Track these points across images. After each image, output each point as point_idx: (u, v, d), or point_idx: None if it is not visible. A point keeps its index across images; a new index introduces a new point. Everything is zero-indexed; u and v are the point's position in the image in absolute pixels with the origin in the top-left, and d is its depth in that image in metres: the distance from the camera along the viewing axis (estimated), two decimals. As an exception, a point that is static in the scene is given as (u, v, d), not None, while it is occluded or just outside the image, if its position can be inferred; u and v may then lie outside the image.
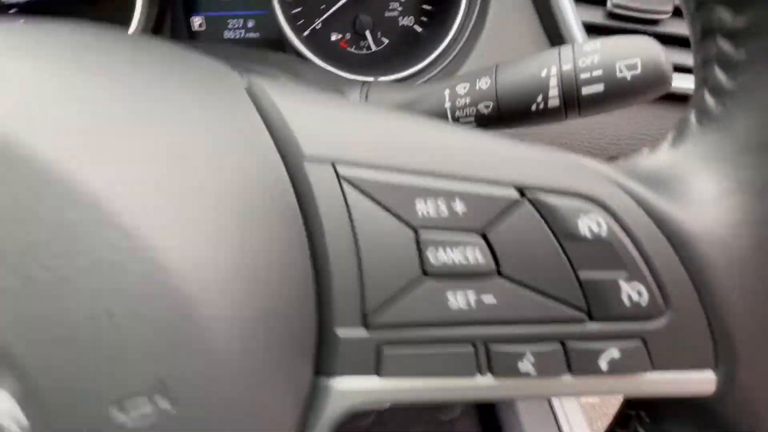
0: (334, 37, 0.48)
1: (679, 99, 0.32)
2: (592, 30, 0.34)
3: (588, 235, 0.12)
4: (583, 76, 0.23)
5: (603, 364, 0.13)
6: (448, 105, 0.27)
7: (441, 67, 0.40)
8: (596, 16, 0.35)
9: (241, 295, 0.11)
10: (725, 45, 0.12)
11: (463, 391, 0.14)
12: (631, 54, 0.23)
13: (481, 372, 0.13)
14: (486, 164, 0.13)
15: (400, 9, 0.48)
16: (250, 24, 0.47)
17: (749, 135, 0.12)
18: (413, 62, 0.48)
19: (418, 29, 0.48)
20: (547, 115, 0.25)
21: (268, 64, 0.29)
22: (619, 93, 0.23)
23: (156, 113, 0.12)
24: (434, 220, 0.13)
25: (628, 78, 0.23)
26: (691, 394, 0.13)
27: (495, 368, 0.13)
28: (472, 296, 0.13)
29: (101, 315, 0.09)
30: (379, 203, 0.13)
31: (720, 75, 0.12)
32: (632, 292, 0.12)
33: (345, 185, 0.13)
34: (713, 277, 0.12)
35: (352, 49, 0.48)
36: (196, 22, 0.47)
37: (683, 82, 0.34)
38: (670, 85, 0.23)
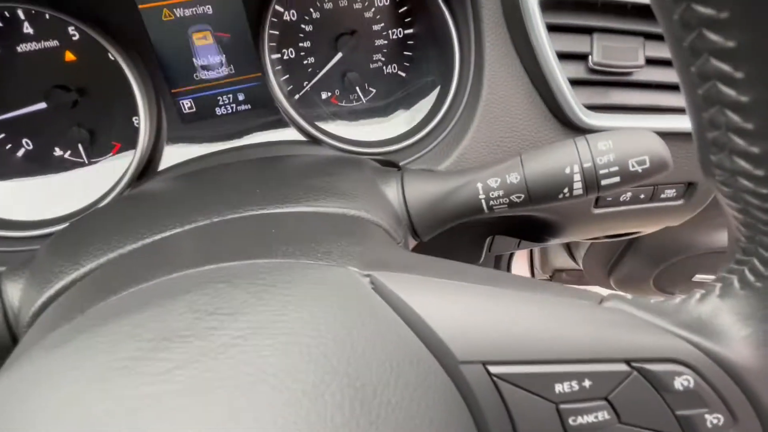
0: (324, 96, 0.49)
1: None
2: (576, 83, 0.39)
3: (681, 388, 0.17)
4: (602, 171, 0.28)
5: None
6: (482, 197, 0.31)
7: (445, 132, 0.43)
8: (579, 71, 0.39)
9: None
10: None
11: None
12: (640, 152, 0.27)
13: None
14: (603, 348, 0.17)
15: (383, 60, 0.49)
16: (241, 97, 0.47)
17: None
18: (403, 106, 0.50)
19: (403, 74, 0.50)
20: (571, 199, 0.30)
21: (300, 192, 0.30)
22: (631, 180, 0.28)
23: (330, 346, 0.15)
24: (569, 395, 0.17)
25: (639, 171, 0.28)
26: None
27: None
28: None
29: None
30: (525, 390, 0.17)
31: (760, 265, 0.17)
32: (713, 419, 0.17)
33: (497, 380, 0.17)
34: (763, 398, 0.17)
35: (343, 103, 0.50)
36: (185, 104, 0.46)
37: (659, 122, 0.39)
38: (671, 168, 0.28)
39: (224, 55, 0.45)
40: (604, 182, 0.28)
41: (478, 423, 0.17)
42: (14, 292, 0.27)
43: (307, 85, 0.47)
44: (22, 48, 0.39)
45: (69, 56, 0.41)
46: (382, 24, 0.48)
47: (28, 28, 0.39)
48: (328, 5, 0.45)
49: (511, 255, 1.23)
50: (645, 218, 0.47)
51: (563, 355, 0.17)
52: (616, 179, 0.28)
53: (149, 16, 0.41)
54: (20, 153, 0.43)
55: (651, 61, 0.38)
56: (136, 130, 0.43)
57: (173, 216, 0.28)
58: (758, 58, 0.12)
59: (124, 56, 0.40)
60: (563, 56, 0.38)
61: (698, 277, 0.84)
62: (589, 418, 0.17)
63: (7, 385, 0.16)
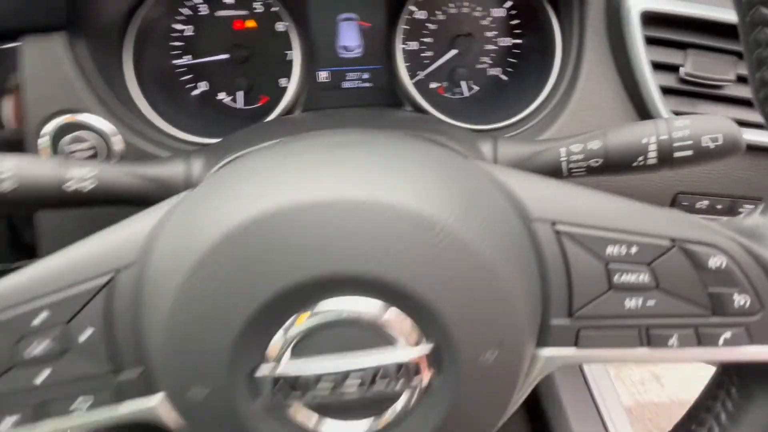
0: (433, 85, 0.57)
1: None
2: (667, 92, 0.43)
3: (714, 267, 0.21)
4: (676, 144, 0.32)
5: (720, 341, 0.21)
6: (564, 159, 0.36)
7: (536, 120, 0.49)
8: (670, 80, 0.43)
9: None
10: None
11: (626, 358, 0.23)
12: (715, 131, 0.31)
13: (641, 345, 0.22)
14: (652, 225, 0.22)
15: (489, 62, 0.57)
16: (365, 76, 0.57)
17: None
18: (500, 106, 0.57)
19: (504, 78, 0.58)
20: (644, 169, 0.34)
21: (418, 129, 0.38)
22: (703, 156, 0.32)
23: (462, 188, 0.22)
24: (617, 257, 0.22)
25: (712, 147, 0.31)
26: None
27: (651, 343, 0.22)
28: (640, 301, 0.22)
29: None
30: (583, 246, 0.22)
31: None
32: (741, 299, 0.21)
33: (561, 236, 0.22)
34: None
35: (448, 95, 0.58)
36: (322, 75, 0.57)
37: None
38: (744, 150, 0.32)
39: (362, 41, 0.56)
40: (677, 155, 0.32)
41: (541, 271, 0.23)
42: (198, 161, 0.37)
43: (421, 74, 0.56)
44: (219, 13, 0.52)
45: (250, 23, 0.53)
46: (495, 32, 0.56)
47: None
48: (453, 10, 0.54)
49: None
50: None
51: (618, 225, 0.22)
52: (689, 152, 0.32)
53: (317, 2, 0.53)
54: (196, 92, 0.55)
55: (742, 79, 0.42)
56: (283, 90, 0.55)
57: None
58: None
59: (292, 30, 0.52)
60: (657, 66, 0.43)
61: None
62: (632, 278, 0.22)
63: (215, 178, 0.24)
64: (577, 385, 1.00)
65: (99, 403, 0.22)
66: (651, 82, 0.43)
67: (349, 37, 0.55)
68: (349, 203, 0.19)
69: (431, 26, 0.55)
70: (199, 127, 0.50)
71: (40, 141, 0.40)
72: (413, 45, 0.55)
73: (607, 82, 0.45)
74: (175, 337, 0.19)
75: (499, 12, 0.55)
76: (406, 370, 0.19)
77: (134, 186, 0.35)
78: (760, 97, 0.23)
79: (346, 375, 0.19)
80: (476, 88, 0.58)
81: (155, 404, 0.23)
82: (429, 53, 0.56)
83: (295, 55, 0.52)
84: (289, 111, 0.53)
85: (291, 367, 0.19)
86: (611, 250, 0.22)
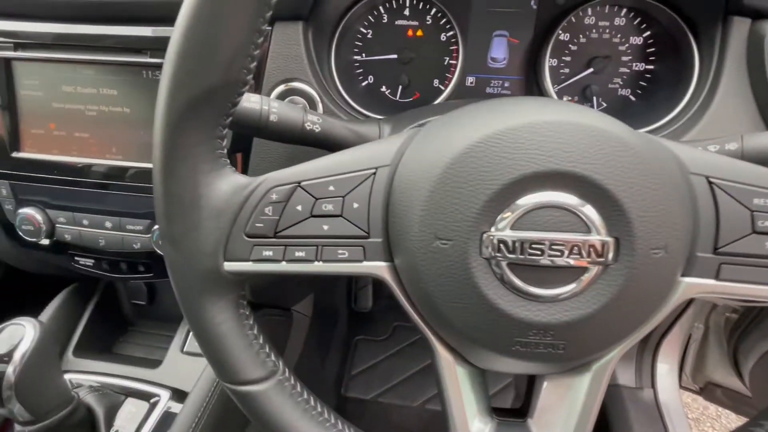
0: (565, 99, 0.65)
1: None
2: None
3: None
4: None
5: None
6: (700, 156, 0.42)
7: (668, 131, 0.55)
8: (806, 107, 0.47)
9: None
10: None
11: (760, 294, 0.29)
12: None
13: None
14: None
15: (620, 83, 0.64)
16: (506, 84, 0.67)
17: None
18: (625, 122, 0.63)
19: (632, 98, 0.64)
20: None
21: None
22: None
23: None
24: (763, 207, 0.28)
25: None
26: None
27: None
28: None
29: None
30: (732, 197, 0.29)
31: None
32: None
33: (713, 187, 0.29)
34: None
35: (577, 108, 0.66)
36: (470, 79, 0.67)
37: None
38: None
39: (508, 54, 0.65)
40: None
41: (694, 211, 0.29)
42: (386, 126, 0.48)
43: (557, 87, 0.64)
44: (398, 22, 0.65)
45: (419, 33, 0.65)
46: (630, 57, 0.63)
47: (406, 11, 0.65)
48: (594, 35, 0.62)
49: (661, 340, 1.17)
50: None
51: (764, 183, 0.28)
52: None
53: (477, 18, 0.64)
54: (364, 83, 0.68)
55: None
56: (437, 89, 0.66)
57: None
58: None
59: (457, 40, 0.63)
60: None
61: None
62: None
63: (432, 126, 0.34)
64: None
65: (352, 256, 0.32)
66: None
67: (499, 50, 0.65)
68: (568, 123, 0.27)
69: (572, 47, 0.63)
70: (368, 108, 0.62)
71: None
72: (553, 61, 0.64)
73: (742, 105, 0.51)
74: (431, 207, 0.29)
75: (637, 39, 0.62)
76: (594, 251, 0.27)
77: (343, 135, 0.46)
78: None
79: (551, 244, 0.27)
80: (605, 104, 0.65)
81: (384, 266, 0.32)
82: (566, 70, 0.64)
83: (459, 60, 0.63)
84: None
85: (513, 234, 0.28)
86: (758, 201, 0.28)
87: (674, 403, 1.14)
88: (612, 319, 0.28)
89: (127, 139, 0.59)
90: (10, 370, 0.47)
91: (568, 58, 0.64)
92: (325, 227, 0.31)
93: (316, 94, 0.54)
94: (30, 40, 0.57)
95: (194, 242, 0.30)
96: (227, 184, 0.31)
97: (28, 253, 0.66)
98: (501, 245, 0.28)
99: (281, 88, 0.54)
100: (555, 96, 0.62)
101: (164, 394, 0.65)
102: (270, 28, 0.53)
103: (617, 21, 0.62)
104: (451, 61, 0.65)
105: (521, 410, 0.35)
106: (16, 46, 0.58)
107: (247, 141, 0.57)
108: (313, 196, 0.31)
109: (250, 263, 0.31)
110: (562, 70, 0.64)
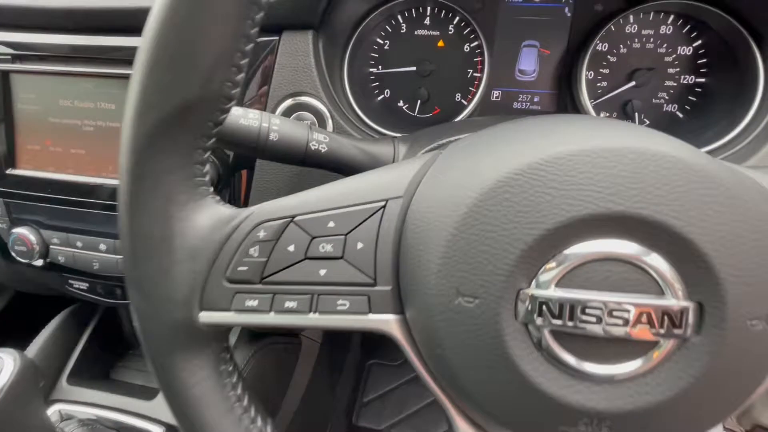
0: (603, 115, 0.59)
1: None
2: None
3: None
4: None
5: None
6: None
7: (726, 154, 0.48)
8: None
9: None
10: None
11: None
12: None
13: None
14: None
15: (666, 98, 0.57)
16: (536, 99, 0.61)
17: None
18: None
19: (680, 115, 0.57)
20: None
21: None
22: None
23: None
24: None
25: None
26: None
27: None
28: None
29: None
30: None
31: None
32: None
33: None
34: None
35: (616, 126, 0.59)
36: (495, 94, 0.62)
37: None
38: None
39: (538, 66, 0.59)
40: None
41: None
42: (402, 146, 0.43)
43: (593, 101, 0.58)
44: (418, 32, 0.60)
45: (440, 43, 0.60)
46: (678, 69, 0.56)
47: (427, 20, 0.59)
48: (636, 45, 0.56)
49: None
50: None
51: None
52: None
53: (504, 27, 0.59)
54: (379, 98, 0.63)
55: None
56: (459, 104, 0.60)
57: None
58: None
59: (482, 51, 0.57)
60: None
61: None
62: None
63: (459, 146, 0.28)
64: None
65: (354, 308, 0.26)
66: None
67: (528, 62, 0.59)
68: (632, 151, 0.21)
69: (611, 58, 0.57)
70: (384, 125, 0.57)
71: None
72: (589, 74, 0.58)
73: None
74: (453, 254, 0.23)
75: (686, 49, 0.55)
76: (669, 320, 0.21)
77: (353, 155, 0.41)
78: None
79: (610, 309, 0.21)
80: (647, 121, 0.58)
81: (394, 320, 0.26)
82: (603, 83, 0.58)
83: (483, 74, 0.58)
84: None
85: (559, 293, 0.21)
86: None
87: (718, 447, 1.03)
88: (690, 408, 0.21)
89: (125, 157, 0.55)
90: (-15, 408, 0.42)
91: (606, 71, 0.57)
92: (323, 272, 0.26)
93: (325, 110, 0.49)
94: (28, 52, 0.55)
95: (164, 288, 0.25)
96: (207, 217, 0.26)
97: (22, 273, 0.62)
98: (543, 307, 0.21)
99: (288, 102, 0.50)
100: (592, 112, 0.55)
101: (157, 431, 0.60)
102: (277, 38, 0.49)
103: (663, 29, 0.55)
104: (475, 74, 0.60)
105: None
106: (14, 58, 0.55)
107: (253, 157, 0.52)
108: (308, 234, 0.26)
109: (231, 314, 0.26)
110: (599, 84, 0.58)
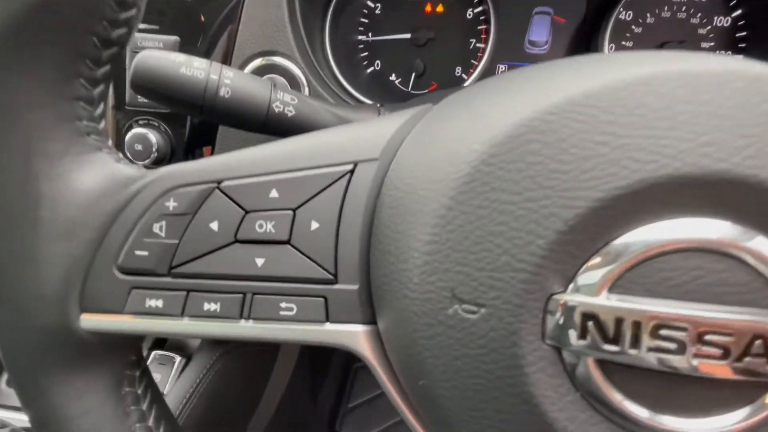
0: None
1: None
2: None
3: None
4: None
5: None
6: None
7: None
8: None
9: None
10: None
11: None
12: None
13: None
14: None
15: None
16: (547, 75, 0.53)
17: None
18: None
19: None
20: None
21: None
22: None
23: None
24: None
25: None
26: None
27: None
28: None
29: None
30: None
31: None
32: None
33: None
34: None
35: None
36: (500, 68, 0.54)
37: None
38: None
39: (551, 37, 0.52)
40: None
41: None
42: (388, 113, 0.35)
43: (613, 80, 0.51)
44: (414, -7, 0.52)
45: (439, 8, 0.52)
46: (712, 43, 0.48)
47: (425, -20, 0.52)
48: (666, 14, 0.48)
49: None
50: None
51: None
52: None
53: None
54: (369, 70, 0.55)
55: None
56: (459, 79, 0.52)
57: None
58: None
59: (489, 17, 0.50)
60: None
61: None
62: None
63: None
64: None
65: (304, 314, 0.18)
66: None
67: (539, 32, 0.52)
68: (731, 73, 0.13)
69: (636, 29, 0.49)
70: (372, 99, 0.49)
71: (241, 75, 0.41)
72: (610, 47, 0.50)
73: None
74: (447, 237, 0.15)
75: (723, 20, 0.48)
76: None
77: (328, 123, 0.33)
78: None
79: (697, 332, 0.13)
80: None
81: (361, 332, 0.18)
82: (626, 58, 0.50)
83: (488, 44, 0.50)
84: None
85: (612, 303, 0.14)
86: None
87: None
88: None
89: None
90: None
91: (629, 43, 0.50)
92: (260, 262, 0.18)
93: (301, 74, 0.41)
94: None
95: (28, 279, 0.17)
96: (94, 179, 0.18)
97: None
98: (588, 324, 0.14)
99: (257, 62, 0.42)
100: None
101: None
102: (243, -16, 0.41)
103: (697, -4, 0.48)
104: (478, 44, 0.52)
105: None
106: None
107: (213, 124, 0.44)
108: (240, 207, 0.18)
109: (125, 318, 0.18)
110: (620, 59, 0.50)
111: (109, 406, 0.19)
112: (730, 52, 0.48)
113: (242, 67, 0.42)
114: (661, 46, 0.49)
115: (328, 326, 0.18)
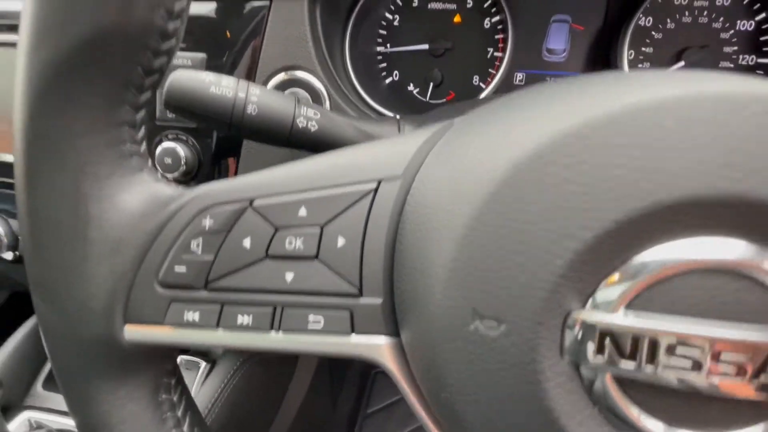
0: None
1: None
2: None
3: None
4: None
5: None
6: None
7: None
8: None
9: None
10: None
11: None
12: None
13: None
14: None
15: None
16: (566, 83, 0.53)
17: None
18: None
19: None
20: None
21: None
22: None
23: None
24: None
25: None
26: None
27: None
28: None
29: None
30: None
31: None
32: None
33: None
34: None
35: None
36: (518, 76, 0.54)
37: None
38: None
39: (569, 44, 0.52)
40: None
41: None
42: (408, 127, 0.36)
43: (633, 86, 0.50)
44: (432, 5, 0.53)
45: (457, 18, 0.53)
46: (736, 48, 0.48)
47: (442, -8, 0.52)
48: (687, 19, 0.48)
49: None
50: None
51: None
52: None
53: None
54: (387, 80, 0.56)
55: None
56: (477, 88, 0.53)
57: None
58: None
59: (507, 26, 0.50)
60: None
61: None
62: None
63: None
64: None
65: (331, 326, 0.19)
66: None
67: (557, 40, 0.52)
68: (748, 97, 0.14)
69: (656, 35, 0.49)
70: (390, 110, 0.50)
71: (265, 90, 0.42)
72: (629, 54, 0.50)
73: None
74: (469, 256, 0.15)
75: (746, 24, 0.47)
76: None
77: (349, 136, 0.34)
78: None
79: (714, 351, 0.13)
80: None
81: (385, 344, 0.19)
82: (647, 64, 0.50)
83: (506, 53, 0.50)
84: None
85: (630, 321, 0.14)
86: None
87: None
88: None
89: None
90: None
91: (649, 49, 0.49)
92: (290, 276, 0.19)
93: (322, 87, 0.42)
94: None
95: (76, 293, 0.19)
96: (137, 199, 0.19)
97: (-6, 268, 0.57)
98: (605, 340, 0.14)
99: (280, 77, 0.43)
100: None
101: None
102: (268, 3, 0.42)
103: (719, 0, 0.47)
104: (495, 53, 0.52)
105: None
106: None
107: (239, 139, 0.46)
108: (272, 224, 0.19)
109: (166, 329, 0.19)
110: (641, 65, 0.50)
111: (148, 413, 0.21)
112: (754, 57, 0.47)
113: (266, 81, 0.43)
114: (683, 51, 0.48)
115: (354, 338, 0.19)
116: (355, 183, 0.20)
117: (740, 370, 0.13)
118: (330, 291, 0.19)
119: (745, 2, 0.47)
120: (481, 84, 0.54)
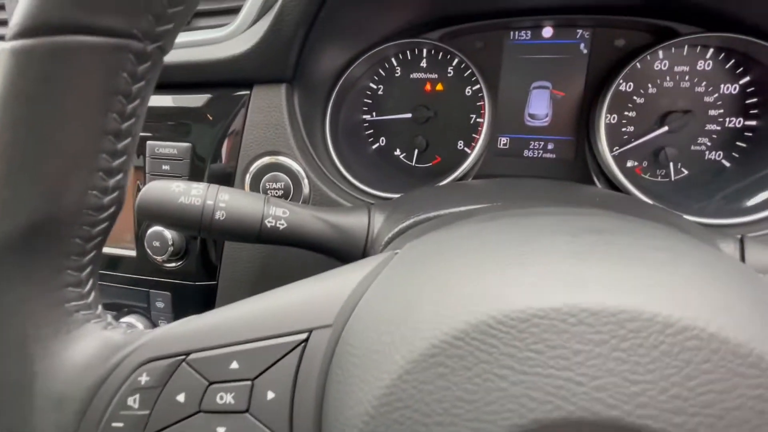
0: (629, 164, 0.50)
1: None
2: None
3: None
4: None
5: None
6: None
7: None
8: None
9: None
10: None
11: None
12: None
13: None
14: None
15: (708, 144, 0.48)
16: (550, 146, 0.53)
17: None
18: (715, 196, 0.47)
19: (726, 164, 0.48)
20: None
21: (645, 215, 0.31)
22: None
23: None
24: None
25: None
26: None
27: None
28: None
29: None
30: None
31: None
32: None
33: None
34: None
35: (646, 176, 0.50)
36: (502, 141, 0.54)
37: None
38: None
39: (551, 110, 0.52)
40: None
41: None
42: (379, 216, 0.36)
43: (617, 150, 0.50)
44: (414, 75, 0.54)
45: (439, 87, 0.54)
46: (721, 111, 0.47)
47: (423, 63, 0.54)
48: (668, 84, 0.48)
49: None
50: None
51: None
52: None
53: (509, 67, 0.52)
54: (374, 146, 0.57)
55: None
56: (462, 152, 0.53)
57: (503, 197, 0.34)
58: None
59: (484, 94, 0.51)
60: None
61: None
62: None
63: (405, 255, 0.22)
64: None
65: None
66: None
67: (539, 105, 0.52)
68: (615, 310, 0.14)
69: (638, 100, 0.49)
70: (375, 180, 0.51)
71: (246, 177, 0.44)
72: (611, 118, 0.50)
73: None
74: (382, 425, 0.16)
75: (730, 88, 0.46)
76: None
77: (318, 230, 0.35)
78: None
79: None
80: (686, 171, 0.49)
81: None
82: (630, 128, 0.49)
83: (485, 119, 0.51)
84: (465, 174, 0.51)
85: None
86: None
87: None
88: None
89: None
90: None
91: (632, 113, 0.49)
92: (221, 431, 0.20)
93: (301, 170, 0.44)
94: None
95: None
96: (82, 352, 0.20)
97: None
98: None
99: (263, 161, 0.45)
100: (612, 163, 0.47)
101: None
102: (248, 92, 0.44)
103: (701, 65, 0.46)
104: (478, 119, 0.53)
105: None
106: None
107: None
108: (205, 379, 0.20)
109: None
110: (624, 129, 0.49)
111: None
112: (741, 119, 0.46)
113: (248, 167, 0.45)
114: (666, 115, 0.48)
115: None
116: (286, 334, 0.20)
117: None
118: None
119: (727, 66, 0.46)
120: (465, 148, 0.54)
